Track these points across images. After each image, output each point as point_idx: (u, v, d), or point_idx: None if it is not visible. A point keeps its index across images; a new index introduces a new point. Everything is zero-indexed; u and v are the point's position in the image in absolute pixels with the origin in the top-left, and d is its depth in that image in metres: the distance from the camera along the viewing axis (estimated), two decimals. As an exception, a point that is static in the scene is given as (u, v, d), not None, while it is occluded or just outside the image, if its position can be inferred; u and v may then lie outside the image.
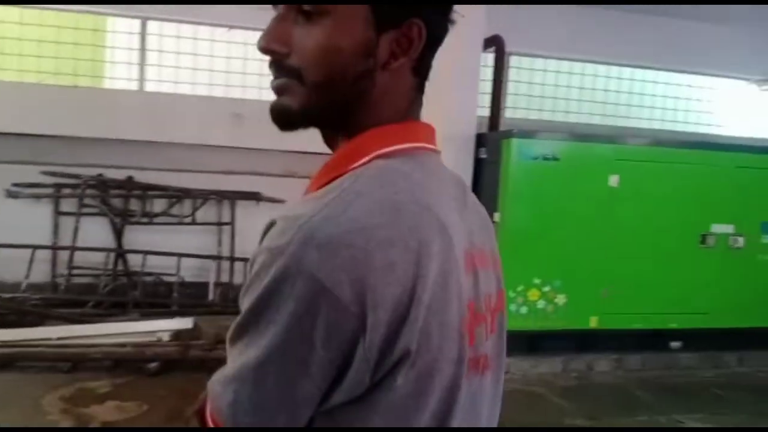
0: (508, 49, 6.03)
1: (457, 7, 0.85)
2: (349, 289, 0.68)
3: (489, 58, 5.90)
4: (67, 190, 6.55)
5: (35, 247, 6.24)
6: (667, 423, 4.30)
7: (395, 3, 0.77)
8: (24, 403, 3.97)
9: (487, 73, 5.89)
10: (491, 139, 5.47)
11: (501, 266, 0.97)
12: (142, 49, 6.82)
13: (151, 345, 4.84)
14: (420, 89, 0.87)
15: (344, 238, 0.69)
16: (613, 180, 5.22)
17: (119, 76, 7.06)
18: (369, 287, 0.69)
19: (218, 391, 0.74)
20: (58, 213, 6.53)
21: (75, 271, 6.43)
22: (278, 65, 0.79)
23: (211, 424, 0.75)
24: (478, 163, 5.53)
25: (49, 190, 6.50)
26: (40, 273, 6.28)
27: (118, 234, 6.66)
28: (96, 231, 6.58)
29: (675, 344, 5.54)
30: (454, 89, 5.41)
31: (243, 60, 6.93)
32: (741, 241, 5.63)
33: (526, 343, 5.14)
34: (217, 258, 6.80)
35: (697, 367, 5.48)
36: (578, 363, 5.21)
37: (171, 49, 6.87)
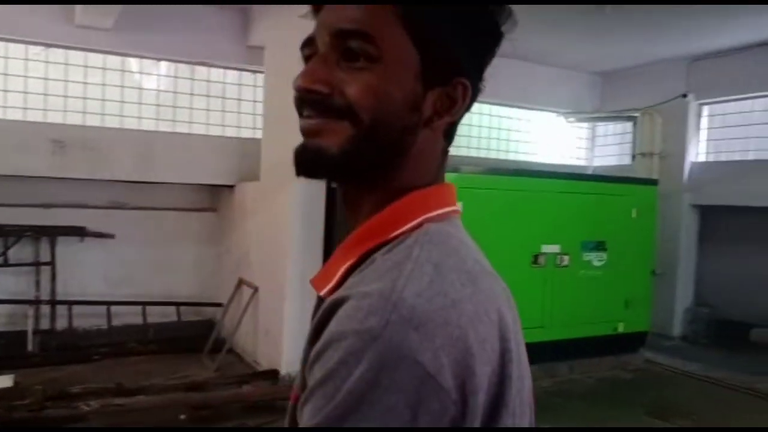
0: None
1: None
2: (450, 373, 0.62)
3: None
4: None
5: None
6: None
7: (446, 63, 0.76)
8: None
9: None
10: None
11: None
12: None
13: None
14: (446, 153, 0.83)
15: (440, 316, 0.63)
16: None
17: None
18: (468, 370, 0.64)
19: None
20: None
21: None
22: (319, 105, 0.74)
23: None
24: (330, 192, 5.52)
25: None
26: None
27: None
28: None
29: None
30: None
31: (64, 82, 6.29)
32: (566, 259, 6.23)
33: None
34: (36, 303, 6.05)
35: (536, 378, 5.84)
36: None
37: None
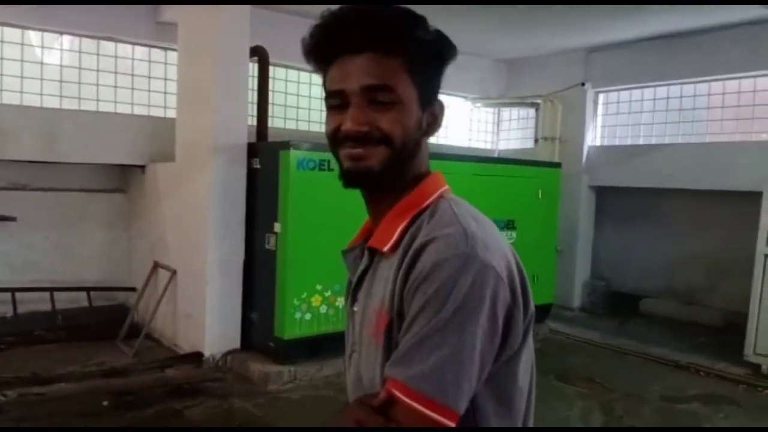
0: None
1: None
2: (506, 274, 1.01)
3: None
4: None
5: None
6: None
7: (430, 93, 1.13)
8: None
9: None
10: (265, 149, 5.46)
11: None
12: None
13: None
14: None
15: (492, 242, 1.03)
16: None
17: None
18: (511, 273, 1.03)
19: (435, 382, 0.92)
20: None
21: None
22: (362, 139, 1.07)
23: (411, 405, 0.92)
24: (252, 173, 5.50)
25: None
26: None
27: None
28: None
29: None
30: (223, 99, 5.37)
31: None
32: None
33: (310, 348, 5.24)
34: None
35: None
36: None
37: None
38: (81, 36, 6.38)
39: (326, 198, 5.12)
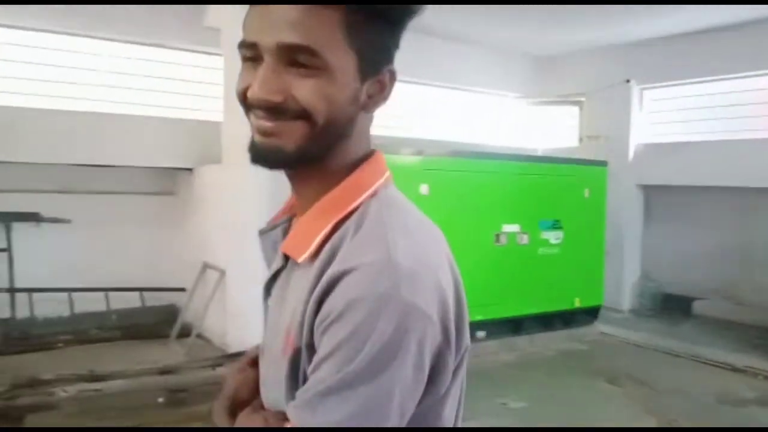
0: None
1: None
2: (437, 311, 0.82)
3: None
4: None
5: None
6: (491, 407, 4.73)
7: (376, 60, 0.89)
8: None
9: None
10: None
11: None
12: None
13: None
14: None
15: (424, 271, 0.83)
16: (424, 189, 5.63)
17: None
18: (445, 305, 0.84)
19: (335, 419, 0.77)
20: None
21: None
22: (273, 110, 0.85)
23: None
24: None
25: None
26: None
27: None
28: None
29: (480, 333, 6.09)
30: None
31: (16, 63, 6.04)
32: (525, 238, 6.48)
33: None
34: (-7, 291, 5.86)
35: (498, 352, 6.12)
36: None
37: None
38: (131, 43, 6.57)
39: None
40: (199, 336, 6.04)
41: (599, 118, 8.48)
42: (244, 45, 0.87)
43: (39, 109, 6.07)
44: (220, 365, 5.23)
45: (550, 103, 9.45)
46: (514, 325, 6.43)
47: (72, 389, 4.33)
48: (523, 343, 6.42)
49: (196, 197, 6.62)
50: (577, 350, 6.47)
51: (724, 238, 7.66)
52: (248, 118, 0.89)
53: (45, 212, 6.19)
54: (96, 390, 4.38)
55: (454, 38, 7.85)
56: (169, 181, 6.99)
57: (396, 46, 0.92)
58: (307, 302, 0.84)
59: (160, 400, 4.45)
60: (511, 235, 6.37)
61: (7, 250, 6.00)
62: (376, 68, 0.89)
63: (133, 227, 6.73)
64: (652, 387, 5.33)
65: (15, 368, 4.92)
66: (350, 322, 0.77)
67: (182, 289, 6.61)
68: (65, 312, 6.16)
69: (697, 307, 7.81)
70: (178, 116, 6.78)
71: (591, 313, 7.02)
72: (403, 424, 0.82)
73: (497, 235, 6.27)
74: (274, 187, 5.33)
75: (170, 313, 6.53)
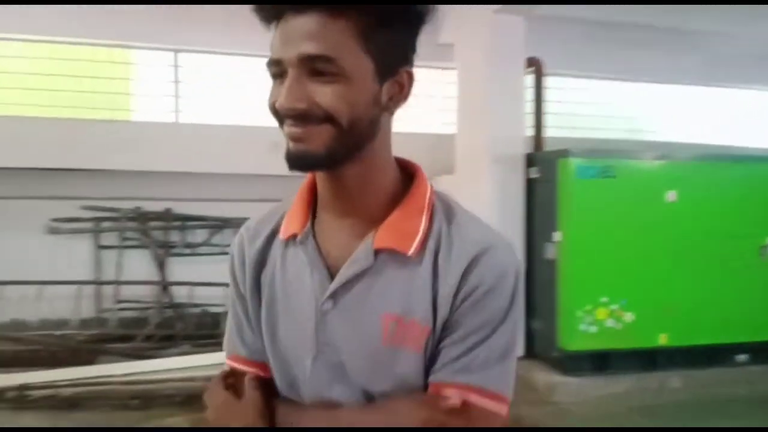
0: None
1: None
2: None
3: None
4: (106, 224, 6.56)
5: (81, 283, 6.26)
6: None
7: (392, 63, 0.95)
8: None
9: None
10: (543, 159, 5.53)
11: None
12: (176, 81, 6.82)
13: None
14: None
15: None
16: (671, 195, 5.25)
17: (152, 109, 7.04)
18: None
19: (506, 381, 1.01)
20: (99, 247, 6.54)
21: (121, 305, 6.42)
22: (300, 117, 0.92)
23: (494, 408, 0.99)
24: (529, 183, 5.61)
25: (89, 225, 6.51)
26: (84, 308, 6.29)
27: (161, 266, 6.62)
28: (137, 264, 6.60)
29: (741, 357, 5.48)
30: (499, 110, 5.58)
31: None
32: (797, 251, 5.50)
33: (596, 362, 5.12)
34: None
35: (761, 381, 5.34)
36: (650, 381, 5.12)
37: (204, 80, 6.91)
38: None
39: (610, 206, 5.04)
40: None
41: None
42: (270, 63, 0.94)
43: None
44: None
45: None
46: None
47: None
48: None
49: None
50: None
51: None
52: (281, 129, 0.95)
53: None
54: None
55: (712, 33, 7.24)
56: None
57: (413, 48, 0.98)
58: (432, 288, 0.97)
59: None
60: (781, 248, 5.50)
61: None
62: (392, 70, 0.95)
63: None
64: None
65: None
66: (501, 294, 0.97)
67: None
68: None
69: None
70: (414, 131, 7.01)
71: None
72: None
73: (763, 248, 5.54)
74: (506, 197, 5.57)
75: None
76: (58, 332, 5.95)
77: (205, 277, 6.36)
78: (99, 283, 6.48)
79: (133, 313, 6.48)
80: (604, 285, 5.05)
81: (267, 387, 1.08)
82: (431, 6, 0.96)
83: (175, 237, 6.72)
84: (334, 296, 1.01)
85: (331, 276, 1.02)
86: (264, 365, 1.10)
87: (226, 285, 1.15)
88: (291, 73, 0.91)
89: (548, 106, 6.54)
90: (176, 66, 6.79)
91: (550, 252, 5.26)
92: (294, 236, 1.05)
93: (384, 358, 0.99)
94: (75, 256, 6.46)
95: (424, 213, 1.01)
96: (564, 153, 5.08)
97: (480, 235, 1.00)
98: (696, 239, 5.26)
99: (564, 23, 6.99)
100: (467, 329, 0.97)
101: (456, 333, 0.97)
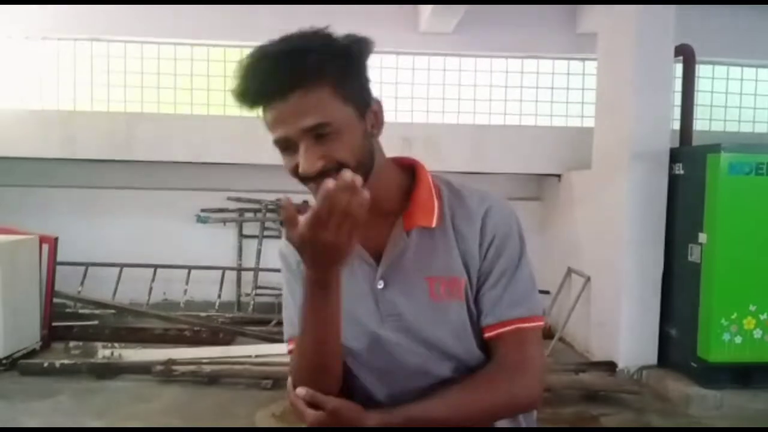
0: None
1: None
2: None
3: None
4: (249, 215, 7.06)
5: (225, 269, 6.82)
6: None
7: (364, 99, 1.14)
8: (239, 420, 4.14)
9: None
10: (689, 154, 5.13)
11: None
12: None
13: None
14: None
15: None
16: None
17: None
18: None
19: (540, 303, 1.24)
20: (241, 236, 7.05)
21: (258, 291, 6.84)
22: (323, 173, 1.07)
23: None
24: (673, 180, 5.23)
25: (234, 215, 7.04)
26: (225, 292, 6.81)
27: None
28: (276, 253, 7.01)
29: None
30: (644, 102, 5.22)
31: (410, 85, 7.07)
32: None
33: (739, 375, 4.73)
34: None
35: None
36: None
37: None
38: (509, 57, 7.01)
39: (763, 206, 4.64)
40: (561, 340, 6.09)
41: None
42: (278, 141, 1.10)
43: (428, 124, 6.96)
44: (582, 371, 5.20)
45: None
46: None
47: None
48: None
49: (563, 202, 6.66)
50: None
51: None
52: (307, 187, 1.12)
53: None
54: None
55: None
56: (536, 187, 7.18)
57: (368, 79, 1.16)
58: (458, 246, 1.20)
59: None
60: None
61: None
62: (367, 104, 1.14)
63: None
64: None
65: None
66: (513, 236, 1.22)
67: (546, 292, 6.56)
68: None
69: None
70: (549, 123, 7.01)
71: None
72: None
73: None
74: (648, 194, 5.24)
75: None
76: (203, 314, 6.46)
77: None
78: (240, 269, 6.98)
79: (269, 299, 6.89)
80: (752, 292, 4.64)
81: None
82: (370, 43, 1.13)
83: (310, 229, 7.05)
84: (384, 276, 1.22)
85: (375, 261, 1.23)
86: None
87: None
88: (301, 144, 1.08)
89: (698, 97, 6.22)
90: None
91: (693, 254, 4.90)
92: None
93: (436, 312, 1.20)
94: (220, 244, 7.02)
95: (433, 193, 1.24)
96: (714, 148, 4.69)
97: (480, 197, 1.24)
98: None
99: (716, 8, 6.51)
100: (498, 272, 1.19)
101: (491, 278, 1.20)
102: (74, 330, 5.81)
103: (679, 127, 5.59)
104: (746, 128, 7.29)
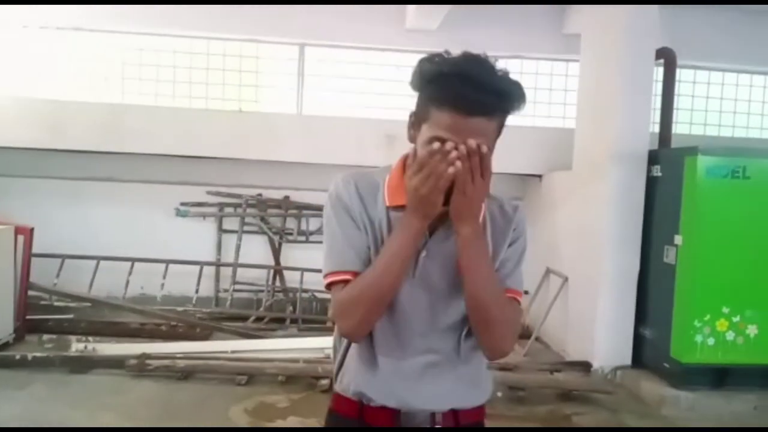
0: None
1: None
2: None
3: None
4: (229, 209, 6.98)
5: (203, 264, 6.72)
6: None
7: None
8: (214, 415, 4.10)
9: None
10: (668, 156, 5.16)
11: None
12: (300, 74, 7.05)
13: (322, 362, 4.77)
14: None
15: None
16: None
17: (277, 101, 7.22)
18: None
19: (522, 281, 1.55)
20: (221, 231, 6.97)
21: (236, 287, 6.77)
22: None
23: None
24: (651, 182, 5.27)
25: (214, 209, 6.96)
26: (204, 288, 6.72)
27: (276, 251, 6.96)
28: (255, 248, 6.98)
29: None
30: (624, 104, 5.26)
31: (395, 82, 6.94)
32: None
33: (712, 377, 4.76)
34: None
35: None
36: (773, 401, 4.67)
37: (326, 73, 7.10)
38: (495, 57, 6.26)
39: (739, 210, 4.66)
40: (538, 339, 6.12)
41: None
42: (438, 140, 1.27)
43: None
44: (557, 371, 5.22)
45: None
46: None
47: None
48: None
49: (544, 203, 6.68)
50: None
51: None
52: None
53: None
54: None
55: None
56: (517, 187, 7.16)
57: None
58: (491, 236, 1.45)
59: (499, 394, 4.55)
60: None
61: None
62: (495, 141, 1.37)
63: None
64: None
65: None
66: (526, 230, 1.50)
67: (525, 292, 6.42)
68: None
69: None
70: (532, 124, 6.93)
71: None
72: None
73: None
74: (626, 196, 5.24)
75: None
76: (180, 308, 6.41)
77: (316, 264, 6.36)
78: (219, 264, 6.92)
79: (247, 295, 6.86)
80: (726, 294, 4.67)
81: None
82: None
83: (291, 224, 7.01)
84: (428, 249, 1.42)
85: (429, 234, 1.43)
86: None
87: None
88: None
89: (679, 101, 6.24)
90: (301, 59, 7.03)
91: (669, 256, 4.93)
92: (401, 206, 1.37)
93: (458, 279, 1.39)
94: (199, 238, 6.95)
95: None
96: (692, 150, 4.72)
97: (508, 201, 1.51)
98: None
99: (700, 13, 6.56)
100: (512, 260, 1.47)
101: (508, 263, 1.46)
102: (49, 323, 5.75)
103: (660, 130, 5.62)
104: (726, 133, 7.34)
